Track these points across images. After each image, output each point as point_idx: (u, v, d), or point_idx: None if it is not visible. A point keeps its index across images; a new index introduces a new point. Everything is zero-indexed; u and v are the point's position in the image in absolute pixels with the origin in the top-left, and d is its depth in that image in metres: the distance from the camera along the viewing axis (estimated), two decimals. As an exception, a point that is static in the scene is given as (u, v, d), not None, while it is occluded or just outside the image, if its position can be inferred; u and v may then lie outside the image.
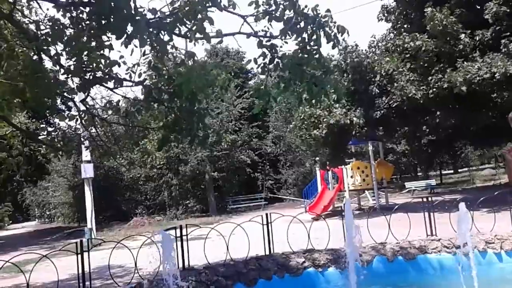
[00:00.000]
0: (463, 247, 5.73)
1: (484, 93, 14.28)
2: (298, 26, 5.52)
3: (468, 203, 5.72)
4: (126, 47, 4.83)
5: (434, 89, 14.64)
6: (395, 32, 19.53)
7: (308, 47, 5.64)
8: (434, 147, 29.34)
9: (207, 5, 5.03)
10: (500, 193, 8.12)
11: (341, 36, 5.61)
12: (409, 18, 18.88)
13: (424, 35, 15.07)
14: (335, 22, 5.54)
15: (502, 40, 14.16)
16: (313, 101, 6.11)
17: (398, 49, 15.98)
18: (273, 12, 5.55)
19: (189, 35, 5.30)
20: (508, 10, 14.19)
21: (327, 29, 5.47)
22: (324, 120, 16.65)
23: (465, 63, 14.27)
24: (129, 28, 4.56)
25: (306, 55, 5.66)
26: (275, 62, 5.87)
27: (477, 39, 15.16)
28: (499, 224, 7.23)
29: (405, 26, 19.09)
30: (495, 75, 13.53)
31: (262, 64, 5.90)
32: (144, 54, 5.60)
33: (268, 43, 5.80)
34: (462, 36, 14.79)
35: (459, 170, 49.90)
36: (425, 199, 7.79)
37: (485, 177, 35.61)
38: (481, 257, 6.41)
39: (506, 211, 7.43)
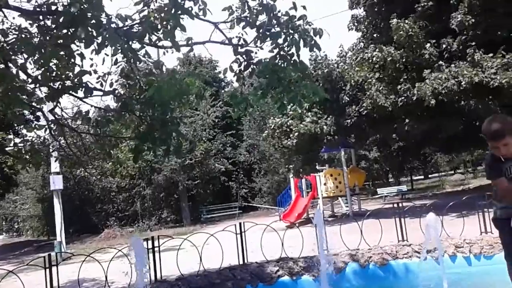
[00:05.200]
0: (433, 252, 5.84)
1: (452, 102, 14.66)
2: (273, 31, 5.51)
3: (435, 209, 5.83)
4: (98, 54, 4.76)
5: (403, 98, 14.95)
6: (364, 42, 19.92)
7: (283, 52, 5.62)
8: (404, 153, 29.93)
9: (178, 12, 4.99)
10: (468, 198, 8.32)
11: (319, 38, 5.56)
12: (378, 27, 19.28)
13: (391, 46, 15.40)
14: (310, 24, 5.46)
15: (467, 49, 14.58)
16: (292, 105, 6.08)
17: (368, 60, 16.28)
18: (247, 18, 5.52)
19: (158, 44, 5.27)
20: (473, 20, 14.65)
21: (301, 31, 5.41)
22: (295, 129, 16.78)
23: (432, 74, 14.61)
24: (98, 36, 4.50)
25: (282, 60, 5.63)
26: (250, 69, 5.85)
27: (443, 47, 15.60)
28: (468, 228, 7.40)
29: (374, 35, 19.49)
30: (462, 84, 13.91)
31: (237, 71, 5.87)
32: (116, 62, 5.53)
33: (243, 50, 5.78)
34: (428, 45, 15.19)
35: (430, 176, 51.00)
36: (396, 205, 7.91)
37: (455, 182, 36.47)
38: (450, 261, 6.54)
39: (475, 215, 7.61)
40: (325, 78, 17.26)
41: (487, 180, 3.71)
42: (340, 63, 18.06)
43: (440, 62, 15.23)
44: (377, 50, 15.61)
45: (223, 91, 37.24)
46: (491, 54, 14.21)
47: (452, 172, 48.63)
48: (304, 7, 5.41)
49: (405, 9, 16.54)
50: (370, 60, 15.80)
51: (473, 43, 14.71)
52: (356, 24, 20.79)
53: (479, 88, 13.98)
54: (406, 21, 15.13)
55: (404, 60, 15.17)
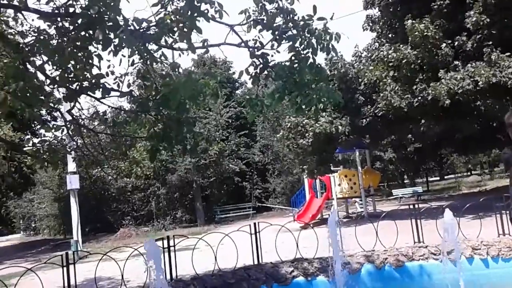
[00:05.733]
0: (450, 254, 5.78)
1: (468, 102, 14.48)
2: (290, 33, 5.48)
3: (451, 211, 5.78)
4: (115, 55, 4.81)
5: (419, 98, 14.81)
6: (379, 42, 19.79)
7: (300, 55, 5.58)
8: (420, 154, 29.65)
9: (194, 15, 5.00)
10: (485, 200, 8.21)
11: (337, 43, 5.49)
12: (393, 27, 19.13)
13: (407, 46, 15.26)
14: (326, 29, 5.39)
15: (484, 49, 14.39)
16: (310, 108, 5.99)
17: (383, 59, 16.18)
18: (263, 21, 5.50)
19: (174, 46, 5.29)
20: (488, 20, 14.45)
21: (317, 35, 5.36)
22: (311, 128, 16.75)
23: (448, 73, 14.45)
24: (115, 38, 4.55)
25: (298, 63, 5.59)
26: (266, 72, 5.83)
27: (457, 45, 15.37)
28: (485, 230, 7.31)
29: (390, 35, 19.34)
30: (478, 84, 13.73)
31: (253, 74, 5.85)
32: (133, 63, 5.58)
33: (259, 52, 5.76)
34: (443, 45, 15.00)
35: (445, 177, 50.47)
36: (411, 206, 7.85)
37: (471, 183, 36.03)
38: (467, 263, 6.46)
39: (492, 217, 7.52)
40: (341, 78, 17.20)
41: (506, 172, 3.78)
42: (355, 63, 17.98)
43: (456, 62, 15.06)
44: (392, 49, 15.49)
45: (237, 91, 37.36)
46: (508, 54, 14.01)
47: (469, 173, 48.05)
48: (332, 17, 5.39)
49: (421, 9, 16.38)
50: (385, 59, 15.69)
51: (490, 43, 14.51)
52: (371, 24, 20.66)
53: (496, 88, 13.80)
54: (422, 21, 14.98)
55: (419, 61, 15.04)
